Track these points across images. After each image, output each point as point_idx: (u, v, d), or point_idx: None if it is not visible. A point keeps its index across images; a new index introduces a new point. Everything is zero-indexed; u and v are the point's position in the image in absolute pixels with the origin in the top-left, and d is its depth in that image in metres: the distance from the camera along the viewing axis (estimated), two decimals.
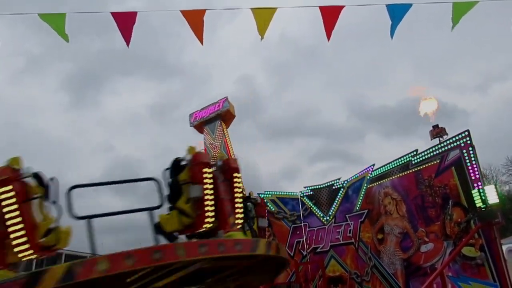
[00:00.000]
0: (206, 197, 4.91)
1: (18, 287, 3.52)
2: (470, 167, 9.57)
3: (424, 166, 10.75)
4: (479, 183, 9.31)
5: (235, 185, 5.37)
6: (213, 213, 4.98)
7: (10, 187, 4.17)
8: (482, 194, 9.06)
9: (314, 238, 13.38)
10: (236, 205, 5.34)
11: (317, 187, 13.96)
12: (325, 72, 73.62)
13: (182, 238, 5.12)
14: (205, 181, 4.95)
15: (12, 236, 4.12)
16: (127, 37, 5.91)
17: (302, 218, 13.77)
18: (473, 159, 9.55)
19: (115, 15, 6.06)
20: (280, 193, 14.24)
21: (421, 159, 10.88)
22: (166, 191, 5.06)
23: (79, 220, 4.34)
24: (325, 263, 12.95)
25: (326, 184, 13.85)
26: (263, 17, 5.76)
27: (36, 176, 4.44)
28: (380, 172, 12.09)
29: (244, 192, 5.54)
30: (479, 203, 9.10)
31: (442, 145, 10.43)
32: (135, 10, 6.10)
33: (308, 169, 60.44)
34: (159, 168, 5.21)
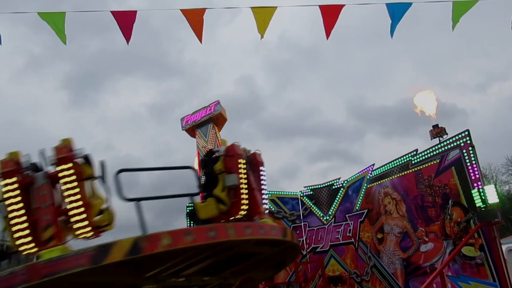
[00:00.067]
0: (241, 186, 5.15)
1: (86, 259, 3.58)
2: (470, 167, 9.56)
3: (424, 166, 10.74)
4: (479, 183, 9.30)
5: (262, 177, 5.69)
6: (247, 201, 5.20)
7: (70, 164, 4.29)
8: (482, 193, 9.07)
9: (313, 237, 13.39)
10: (263, 196, 5.72)
11: (317, 186, 13.97)
12: (325, 72, 73.67)
13: None
14: (239, 171, 5.18)
15: (72, 213, 4.22)
16: (127, 35, 5.92)
17: (301, 218, 13.77)
18: (473, 159, 9.54)
19: (115, 14, 6.07)
20: (280, 192, 14.24)
21: (421, 159, 10.87)
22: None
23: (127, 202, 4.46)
24: (325, 263, 12.95)
25: (326, 184, 13.85)
26: (263, 16, 5.77)
27: (86, 158, 4.54)
28: (380, 171, 12.09)
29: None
30: (479, 203, 9.10)
31: (442, 145, 10.43)
32: (135, 9, 6.11)
33: (308, 168, 60.51)
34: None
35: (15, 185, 4.20)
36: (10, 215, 4.14)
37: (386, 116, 57.81)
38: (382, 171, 12.01)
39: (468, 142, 9.71)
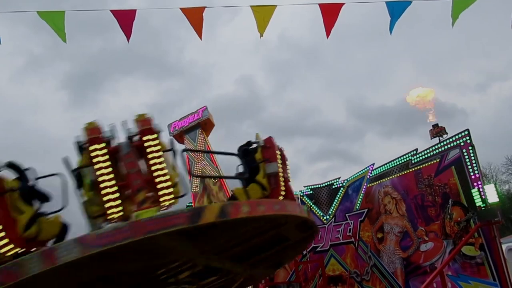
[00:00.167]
0: (279, 174, 5.71)
1: (184, 219, 3.87)
2: (470, 166, 9.57)
3: (424, 165, 10.74)
4: (479, 182, 9.30)
5: (288, 170, 6.23)
6: (284, 188, 5.73)
7: (155, 135, 4.58)
8: (482, 193, 9.07)
9: None
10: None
11: (317, 186, 13.96)
12: (325, 72, 73.68)
13: None
14: (278, 160, 5.73)
15: (158, 180, 4.45)
16: (127, 33, 5.92)
17: None
18: (473, 158, 9.55)
19: (115, 13, 6.06)
20: None
21: (420, 158, 10.87)
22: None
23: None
24: (325, 262, 12.94)
25: (326, 184, 13.84)
26: (262, 14, 5.78)
27: (160, 133, 4.82)
28: (380, 171, 12.09)
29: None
30: (479, 202, 9.11)
31: (441, 144, 10.43)
32: (135, 8, 6.11)
33: (308, 168, 60.50)
34: None
35: (104, 151, 4.37)
36: (100, 179, 4.29)
37: (386, 116, 57.87)
38: (382, 170, 12.01)
39: (468, 141, 9.71)
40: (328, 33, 5.93)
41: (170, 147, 4.86)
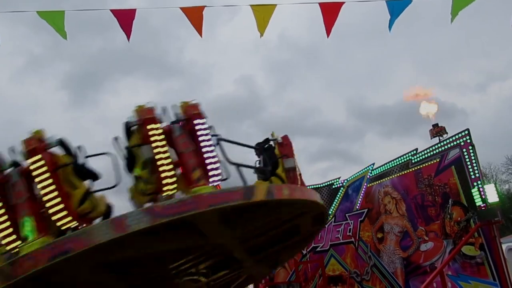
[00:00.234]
0: (296, 168, 6.19)
1: (240, 195, 4.23)
2: (470, 166, 9.56)
3: (423, 165, 10.74)
4: (479, 182, 9.30)
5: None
6: (300, 182, 6.23)
7: (204, 120, 4.85)
8: (482, 193, 9.06)
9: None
10: None
11: (317, 186, 13.95)
12: (325, 72, 73.70)
13: None
14: (294, 156, 6.22)
15: (208, 161, 4.71)
16: (127, 32, 5.94)
17: None
18: (473, 158, 9.54)
19: (115, 12, 6.07)
20: None
21: (420, 158, 10.87)
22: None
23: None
24: (325, 262, 12.93)
25: (326, 183, 13.83)
26: (262, 14, 5.79)
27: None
28: (379, 171, 12.08)
29: None
30: (479, 202, 9.10)
31: (441, 144, 10.42)
32: (135, 8, 6.12)
33: (308, 168, 60.45)
34: None
35: (160, 130, 4.57)
36: (157, 157, 4.44)
37: (386, 116, 57.80)
38: (382, 170, 12.01)
39: (468, 141, 9.71)
40: (328, 32, 5.94)
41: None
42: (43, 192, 4.19)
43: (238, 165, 5.12)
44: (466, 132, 9.80)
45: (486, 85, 58.49)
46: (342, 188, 13.30)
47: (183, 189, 4.54)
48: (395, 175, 11.47)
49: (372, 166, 12.41)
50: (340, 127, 62.80)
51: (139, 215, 3.78)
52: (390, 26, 5.81)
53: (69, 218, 4.18)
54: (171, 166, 4.47)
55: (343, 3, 5.74)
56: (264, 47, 72.55)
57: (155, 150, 4.45)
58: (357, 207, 12.57)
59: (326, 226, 13.25)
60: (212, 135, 4.88)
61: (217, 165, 4.72)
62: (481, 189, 9.11)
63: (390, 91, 66.18)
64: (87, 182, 4.56)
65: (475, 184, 9.32)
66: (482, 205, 9.02)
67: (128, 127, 4.66)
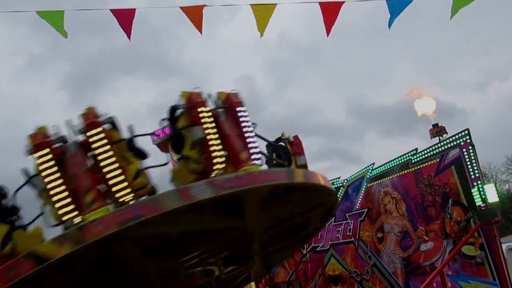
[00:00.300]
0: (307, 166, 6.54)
1: (285, 175, 4.65)
2: (470, 166, 9.55)
3: (423, 165, 10.72)
4: (479, 182, 9.29)
5: None
6: None
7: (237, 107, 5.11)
8: (482, 193, 9.06)
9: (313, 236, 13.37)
10: None
11: None
12: (325, 71, 73.71)
13: None
14: (305, 154, 6.55)
15: (251, 145, 5.03)
16: (127, 31, 5.94)
17: None
18: (473, 157, 9.53)
19: (114, 12, 6.07)
20: None
21: (420, 158, 10.85)
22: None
23: None
24: (325, 262, 12.93)
25: None
26: (262, 13, 5.78)
27: None
28: (379, 171, 12.07)
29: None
30: (478, 202, 9.09)
31: (441, 144, 10.41)
32: (134, 8, 6.12)
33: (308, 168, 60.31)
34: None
35: (209, 113, 4.77)
36: (208, 137, 4.67)
37: (385, 115, 57.87)
38: (382, 170, 12.00)
39: (468, 141, 9.70)
40: (328, 32, 5.93)
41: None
42: (103, 164, 4.29)
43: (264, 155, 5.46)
44: (466, 132, 9.79)
45: (486, 84, 58.61)
46: (342, 188, 13.29)
47: (230, 169, 4.74)
48: (395, 175, 11.46)
49: (372, 166, 12.40)
50: (340, 127, 62.88)
51: (203, 186, 4.00)
52: (390, 24, 5.79)
53: (128, 190, 4.29)
54: (220, 147, 4.66)
55: (343, 2, 5.74)
56: (264, 47, 72.62)
57: (206, 131, 4.63)
58: (357, 207, 12.56)
59: (326, 225, 13.25)
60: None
61: (258, 149, 5.00)
62: (480, 189, 9.12)
63: (389, 90, 66.26)
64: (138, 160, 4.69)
65: (475, 184, 9.32)
66: (482, 205, 9.02)
67: (173, 110, 4.87)
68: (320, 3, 5.78)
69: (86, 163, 4.38)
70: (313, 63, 74.12)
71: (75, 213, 4.21)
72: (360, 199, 12.54)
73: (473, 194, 9.22)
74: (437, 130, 10.97)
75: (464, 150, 9.70)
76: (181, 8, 5.88)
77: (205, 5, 5.89)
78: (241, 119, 5.00)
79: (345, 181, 13.32)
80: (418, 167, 10.85)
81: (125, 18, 5.97)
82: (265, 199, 4.69)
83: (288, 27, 69.78)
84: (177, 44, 71.74)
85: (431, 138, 11.11)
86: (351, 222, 12.66)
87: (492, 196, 8.91)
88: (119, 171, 4.29)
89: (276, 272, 14.02)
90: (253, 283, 8.78)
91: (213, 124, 4.73)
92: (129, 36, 6.00)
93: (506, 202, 25.52)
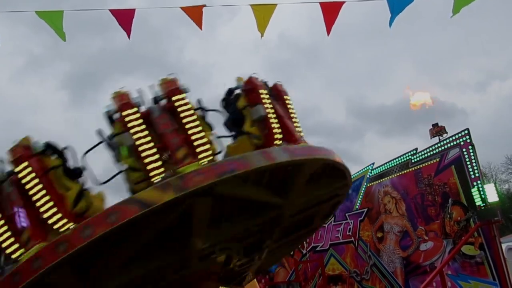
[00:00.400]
0: None
1: (325, 152, 4.94)
2: (469, 166, 9.56)
3: (423, 165, 10.73)
4: (479, 182, 9.30)
5: None
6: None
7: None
8: (481, 192, 9.06)
9: (313, 236, 13.34)
10: None
11: None
12: (325, 71, 73.70)
13: None
14: None
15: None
16: (127, 30, 5.93)
17: None
18: (472, 157, 9.54)
19: (114, 12, 6.07)
20: None
21: (420, 157, 10.86)
22: None
23: None
24: (325, 262, 12.93)
25: None
26: (262, 13, 5.78)
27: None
28: (379, 170, 12.08)
29: None
30: (478, 202, 9.10)
31: (441, 143, 10.42)
32: (134, 8, 6.12)
33: None
34: None
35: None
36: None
37: (385, 115, 57.78)
38: (381, 170, 12.00)
39: (468, 140, 9.71)
40: (328, 32, 5.93)
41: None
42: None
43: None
44: (466, 131, 9.80)
45: (486, 84, 58.55)
46: None
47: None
48: (395, 175, 11.46)
49: (372, 165, 12.41)
50: (340, 127, 62.76)
51: (280, 151, 4.41)
52: (390, 23, 5.78)
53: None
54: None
55: (343, 2, 5.73)
56: (264, 47, 72.54)
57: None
58: (357, 206, 12.56)
59: (326, 225, 13.26)
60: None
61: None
62: (480, 189, 9.12)
63: (389, 90, 66.21)
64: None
65: (475, 183, 9.33)
66: (482, 205, 9.03)
67: (230, 92, 4.98)
68: (321, 3, 5.77)
69: (173, 124, 4.45)
70: (313, 63, 74.11)
71: (162, 169, 4.28)
72: (360, 199, 12.54)
73: (473, 194, 9.22)
74: (437, 130, 10.97)
75: (464, 150, 9.70)
76: (181, 8, 5.88)
77: (205, 5, 5.89)
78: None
79: None
80: (418, 167, 10.85)
81: (124, 18, 5.96)
82: (312, 176, 4.97)
83: (288, 27, 69.73)
84: (177, 44, 71.74)
85: (431, 138, 11.11)
86: (351, 222, 12.66)
87: (492, 196, 8.92)
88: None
89: (276, 272, 14.03)
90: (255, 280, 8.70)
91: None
92: (128, 35, 5.99)
93: (506, 202, 25.51)
